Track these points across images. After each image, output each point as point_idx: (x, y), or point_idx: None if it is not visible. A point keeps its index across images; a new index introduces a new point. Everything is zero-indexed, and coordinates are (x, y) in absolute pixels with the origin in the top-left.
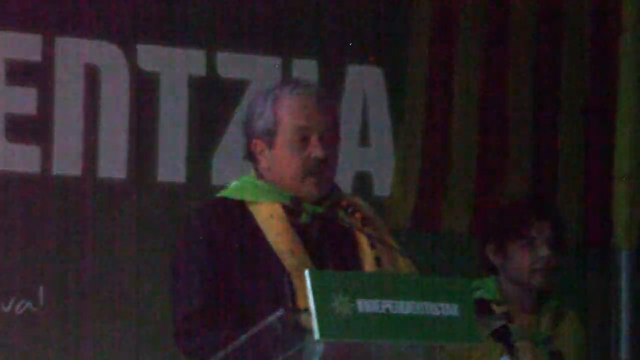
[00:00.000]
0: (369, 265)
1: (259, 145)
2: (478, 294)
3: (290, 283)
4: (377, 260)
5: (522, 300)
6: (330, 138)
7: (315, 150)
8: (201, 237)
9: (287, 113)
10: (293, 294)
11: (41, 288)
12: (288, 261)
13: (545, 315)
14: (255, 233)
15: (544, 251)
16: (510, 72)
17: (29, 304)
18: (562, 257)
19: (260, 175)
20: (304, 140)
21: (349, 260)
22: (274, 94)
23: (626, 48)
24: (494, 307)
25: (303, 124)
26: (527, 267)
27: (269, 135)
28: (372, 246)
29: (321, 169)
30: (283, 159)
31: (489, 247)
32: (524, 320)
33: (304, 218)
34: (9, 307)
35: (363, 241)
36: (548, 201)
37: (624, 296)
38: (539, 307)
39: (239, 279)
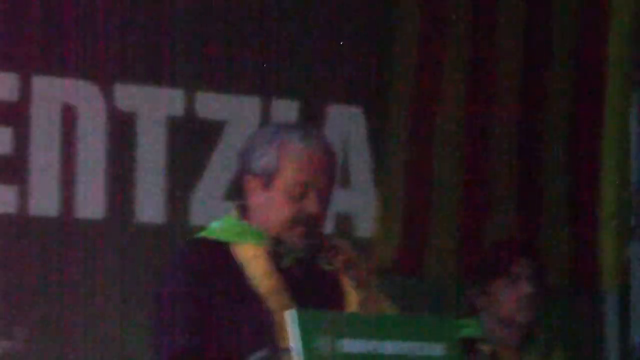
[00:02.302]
0: (352, 307)
1: (252, 182)
2: (464, 332)
3: (274, 323)
4: (361, 302)
5: (508, 338)
6: (327, 192)
7: (311, 206)
8: (184, 277)
9: (292, 164)
10: (276, 334)
11: (19, 329)
12: (272, 301)
13: (531, 352)
14: (239, 273)
15: (527, 288)
16: (495, 113)
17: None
18: (544, 295)
19: (243, 214)
20: (302, 192)
21: (333, 302)
22: (280, 137)
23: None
24: (481, 345)
25: (306, 180)
26: (512, 304)
27: (267, 177)
28: (356, 288)
29: (312, 223)
30: (277, 204)
31: (472, 289)
32: (511, 358)
33: (286, 261)
34: None
35: (346, 283)
36: (529, 239)
37: (611, 338)
38: (525, 345)
39: (223, 319)
